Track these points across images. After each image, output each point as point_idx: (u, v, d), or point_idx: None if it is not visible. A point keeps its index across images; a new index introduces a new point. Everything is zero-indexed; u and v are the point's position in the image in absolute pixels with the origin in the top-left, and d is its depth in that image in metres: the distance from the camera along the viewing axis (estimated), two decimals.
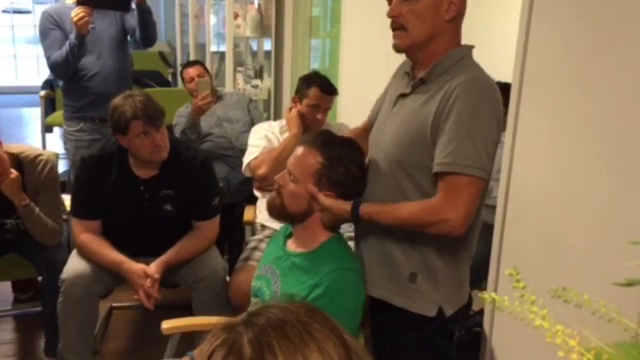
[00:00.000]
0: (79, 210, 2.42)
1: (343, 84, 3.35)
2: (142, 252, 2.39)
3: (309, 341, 0.67)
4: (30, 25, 8.93)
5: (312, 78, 2.79)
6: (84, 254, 2.38)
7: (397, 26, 1.55)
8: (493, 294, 0.57)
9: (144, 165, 2.36)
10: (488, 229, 2.19)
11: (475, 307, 2.27)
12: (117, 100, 2.29)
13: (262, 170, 2.65)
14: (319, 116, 2.72)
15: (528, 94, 2.01)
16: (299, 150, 1.68)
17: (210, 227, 2.47)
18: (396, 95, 1.67)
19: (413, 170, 1.57)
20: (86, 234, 2.38)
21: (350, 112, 3.29)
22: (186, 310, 2.42)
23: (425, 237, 1.57)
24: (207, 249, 2.46)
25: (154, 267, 2.31)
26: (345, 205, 1.60)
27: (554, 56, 1.87)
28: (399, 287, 1.64)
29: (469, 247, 1.68)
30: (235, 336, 0.68)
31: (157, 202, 2.39)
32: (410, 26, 1.53)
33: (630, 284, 0.52)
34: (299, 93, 2.75)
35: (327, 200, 1.63)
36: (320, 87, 2.71)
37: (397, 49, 1.60)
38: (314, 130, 2.56)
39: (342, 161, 1.63)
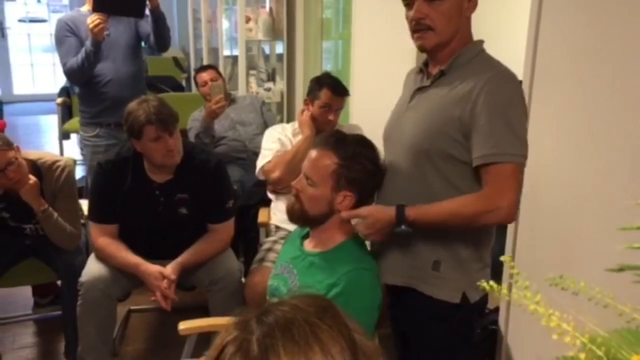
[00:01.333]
0: (96, 214, 2.45)
1: (355, 85, 3.37)
2: (158, 255, 2.41)
3: (314, 343, 0.68)
4: (46, 34, 9.03)
5: (322, 79, 2.80)
6: (102, 257, 2.42)
7: (423, 27, 1.57)
8: (492, 283, 0.58)
9: (159, 169, 2.39)
10: (502, 226, 2.19)
11: (490, 306, 2.27)
12: (132, 105, 2.31)
13: (275, 174, 2.67)
14: (330, 117, 2.73)
15: (539, 91, 2.01)
16: (313, 153, 1.68)
17: (225, 230, 2.49)
18: (413, 90, 1.69)
19: (439, 160, 1.59)
20: (103, 238, 2.41)
21: (362, 113, 3.30)
22: (203, 312, 2.44)
23: None
24: (222, 251, 2.48)
25: (170, 268, 2.34)
26: (388, 211, 1.58)
27: (564, 53, 1.87)
28: (424, 275, 1.65)
29: (489, 233, 1.71)
30: (246, 334, 0.70)
31: (172, 206, 2.42)
32: (437, 26, 1.56)
33: (621, 269, 0.53)
34: (311, 95, 2.77)
35: (365, 210, 1.62)
36: (331, 87, 2.73)
37: (422, 49, 1.63)
38: (326, 131, 2.57)
39: (357, 158, 1.65)
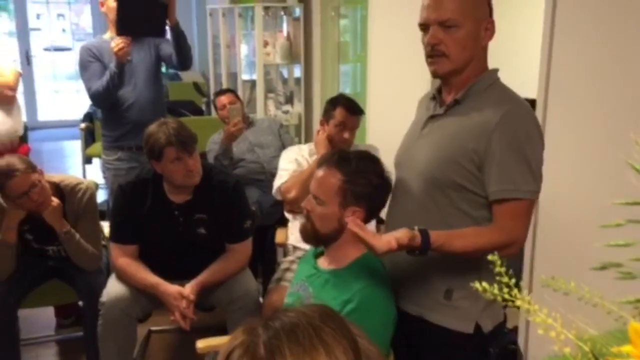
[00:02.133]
0: (117, 234, 2.49)
1: (371, 107, 3.40)
2: (177, 275, 2.44)
3: (318, 345, 0.71)
4: (70, 62, 9.26)
5: (337, 99, 2.86)
6: (122, 277, 2.45)
7: (437, 53, 1.56)
8: (484, 284, 0.59)
9: (178, 190, 2.43)
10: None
11: (509, 324, 2.26)
12: (151, 127, 2.36)
13: (292, 194, 2.70)
14: (346, 135, 2.76)
15: (553, 110, 2.02)
16: (319, 173, 1.72)
17: (243, 249, 2.52)
18: (426, 117, 1.69)
19: (450, 189, 1.58)
20: (124, 258, 2.45)
21: (379, 134, 3.33)
22: (222, 332, 2.45)
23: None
24: (240, 271, 2.51)
25: (189, 288, 2.36)
26: (412, 234, 1.48)
27: (577, 71, 1.89)
28: (435, 304, 1.64)
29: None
30: (253, 338, 0.72)
31: (191, 226, 2.45)
32: (452, 53, 1.55)
33: (604, 267, 0.54)
34: (326, 115, 2.81)
35: (392, 235, 1.49)
36: (345, 106, 2.77)
37: (435, 74, 1.62)
38: (344, 147, 2.64)
39: (362, 173, 1.67)
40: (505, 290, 0.59)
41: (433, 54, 1.56)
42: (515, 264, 1.97)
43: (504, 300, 0.61)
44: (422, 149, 1.65)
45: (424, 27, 1.58)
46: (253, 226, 2.58)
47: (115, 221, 2.51)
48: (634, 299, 0.50)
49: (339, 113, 2.76)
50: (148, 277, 2.40)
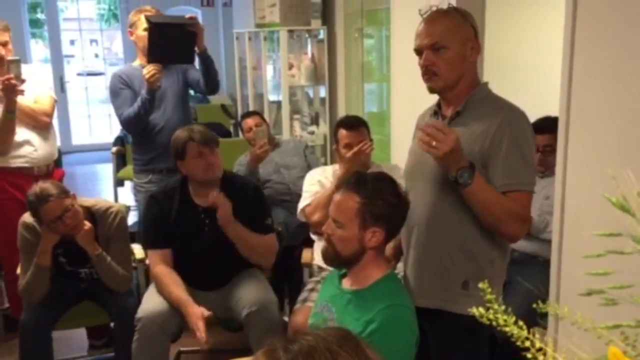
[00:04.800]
0: (151, 240, 2.63)
1: (395, 126, 3.43)
2: (208, 284, 2.59)
3: None
4: (102, 86, 9.50)
5: (338, 122, 2.97)
6: (158, 286, 2.57)
7: (430, 73, 1.79)
8: (481, 309, 0.61)
9: (203, 187, 2.59)
10: (546, 264, 2.16)
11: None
12: (176, 132, 2.67)
13: (316, 217, 2.73)
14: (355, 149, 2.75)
15: (575, 127, 2.01)
16: (337, 197, 1.78)
17: (268, 240, 2.64)
18: None
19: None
20: (161, 266, 2.57)
21: (402, 153, 3.34)
22: (249, 353, 2.47)
23: (475, 246, 1.80)
24: (265, 261, 2.65)
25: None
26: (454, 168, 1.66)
27: (599, 88, 1.88)
28: (454, 296, 1.80)
29: (507, 251, 1.92)
30: None
31: (216, 228, 2.57)
32: (441, 72, 1.78)
33: (589, 293, 0.56)
34: (335, 140, 2.87)
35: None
36: (343, 126, 2.85)
37: (432, 90, 1.85)
38: (365, 162, 2.73)
39: (379, 194, 1.72)
40: (500, 317, 0.61)
41: (427, 74, 1.80)
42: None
43: (497, 325, 0.63)
44: (431, 159, 1.77)
45: (418, 51, 1.82)
46: (273, 225, 2.71)
47: (149, 227, 2.66)
48: (612, 325, 0.52)
49: (340, 135, 2.83)
50: (180, 293, 2.49)
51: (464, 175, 1.65)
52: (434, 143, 1.62)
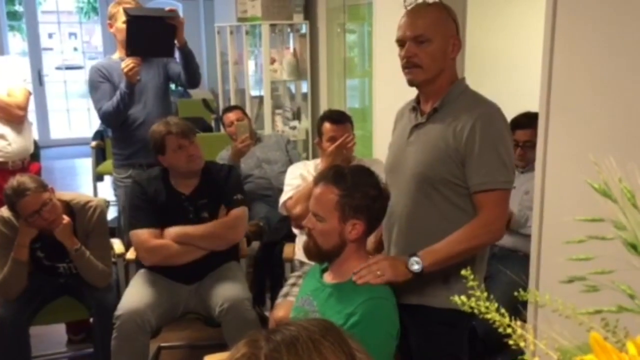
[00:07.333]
0: (140, 219, 2.60)
1: (377, 121, 3.43)
2: (184, 274, 2.62)
3: (317, 358, 0.73)
4: (81, 80, 9.37)
5: (322, 116, 2.98)
6: (160, 253, 2.58)
7: (412, 65, 1.79)
8: (463, 297, 0.61)
9: (185, 180, 2.63)
10: (526, 258, 2.19)
11: None
12: (153, 126, 2.67)
13: (297, 210, 2.73)
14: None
15: (556, 122, 2.03)
16: (316, 190, 1.78)
17: (234, 215, 2.64)
18: (410, 127, 1.88)
19: (440, 184, 1.79)
20: (158, 240, 2.58)
21: (384, 149, 3.35)
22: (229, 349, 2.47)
23: None
24: (231, 239, 2.66)
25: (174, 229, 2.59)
26: (404, 269, 1.73)
27: (579, 81, 1.90)
28: (435, 290, 1.82)
29: (487, 248, 1.95)
30: (254, 350, 0.74)
31: (198, 213, 2.63)
32: (424, 64, 1.78)
33: (571, 280, 0.56)
34: (318, 133, 2.87)
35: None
36: (328, 119, 2.86)
37: (411, 83, 1.85)
38: (348, 156, 2.76)
39: (358, 186, 1.73)
40: (482, 304, 0.61)
41: (409, 66, 1.79)
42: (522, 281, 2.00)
43: (480, 313, 0.64)
44: (411, 154, 1.84)
45: (401, 42, 1.81)
46: (245, 203, 2.71)
47: (135, 209, 2.65)
48: (593, 310, 0.52)
49: (325, 128, 2.84)
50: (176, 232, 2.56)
51: (414, 264, 1.71)
52: (378, 273, 1.68)
